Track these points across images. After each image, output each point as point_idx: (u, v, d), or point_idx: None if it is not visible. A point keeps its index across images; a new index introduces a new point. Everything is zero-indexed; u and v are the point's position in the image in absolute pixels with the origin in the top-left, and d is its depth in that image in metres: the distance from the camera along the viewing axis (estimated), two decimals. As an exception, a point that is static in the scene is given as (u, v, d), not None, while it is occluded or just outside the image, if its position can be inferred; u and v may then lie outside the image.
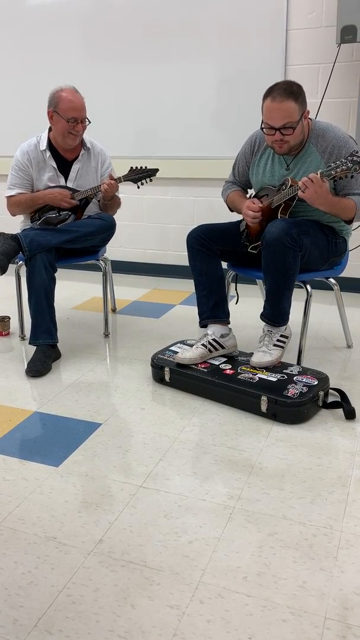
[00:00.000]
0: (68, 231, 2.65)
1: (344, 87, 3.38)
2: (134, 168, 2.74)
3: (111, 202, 2.85)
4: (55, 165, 2.76)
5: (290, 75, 3.46)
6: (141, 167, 2.74)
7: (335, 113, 3.42)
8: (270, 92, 2.18)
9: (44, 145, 2.74)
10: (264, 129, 2.23)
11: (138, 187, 2.78)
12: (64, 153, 2.78)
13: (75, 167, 2.79)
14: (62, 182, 2.78)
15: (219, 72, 3.62)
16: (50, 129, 2.74)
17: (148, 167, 2.74)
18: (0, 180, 3.58)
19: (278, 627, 1.23)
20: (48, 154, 2.75)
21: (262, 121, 2.23)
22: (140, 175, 2.73)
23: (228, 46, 3.55)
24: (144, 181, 2.75)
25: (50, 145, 2.76)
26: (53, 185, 2.77)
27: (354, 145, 2.24)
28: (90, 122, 2.70)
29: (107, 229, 2.80)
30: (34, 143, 2.77)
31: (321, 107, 3.40)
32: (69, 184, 2.79)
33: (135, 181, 2.74)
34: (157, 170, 2.74)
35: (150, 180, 2.76)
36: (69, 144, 2.71)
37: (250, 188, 2.57)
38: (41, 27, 3.93)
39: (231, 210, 2.60)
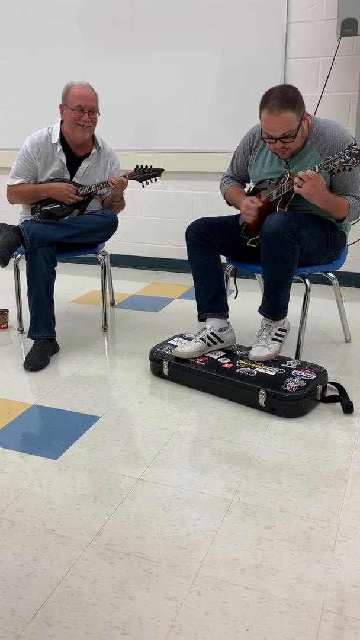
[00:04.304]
0: (71, 227, 2.63)
1: (344, 80, 3.37)
2: (140, 167, 2.70)
3: (119, 203, 2.83)
4: (64, 161, 2.71)
5: (290, 68, 3.45)
6: (147, 167, 2.70)
7: (335, 107, 3.41)
8: (266, 103, 2.14)
9: (56, 138, 2.69)
10: (264, 139, 2.22)
11: (143, 187, 2.75)
12: (75, 149, 2.73)
13: (84, 165, 2.75)
14: (67, 177, 2.75)
15: (218, 65, 3.60)
16: (62, 122, 2.70)
17: (153, 167, 2.70)
18: (2, 172, 3.58)
19: (275, 619, 1.23)
20: (59, 148, 2.69)
21: (262, 130, 2.22)
22: (145, 175, 2.69)
23: (228, 39, 3.53)
24: (149, 180, 2.71)
25: (62, 140, 2.71)
26: (55, 179, 2.74)
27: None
28: (100, 114, 2.65)
29: (110, 227, 2.78)
30: (45, 135, 2.71)
31: (321, 101, 3.39)
32: (75, 180, 2.76)
33: (140, 180, 2.70)
34: (162, 170, 2.70)
35: (156, 180, 2.73)
36: (77, 137, 2.65)
37: (249, 182, 2.57)
38: (41, 19, 3.91)
39: (229, 204, 2.60)
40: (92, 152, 2.75)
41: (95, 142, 2.77)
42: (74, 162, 2.75)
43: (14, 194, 2.77)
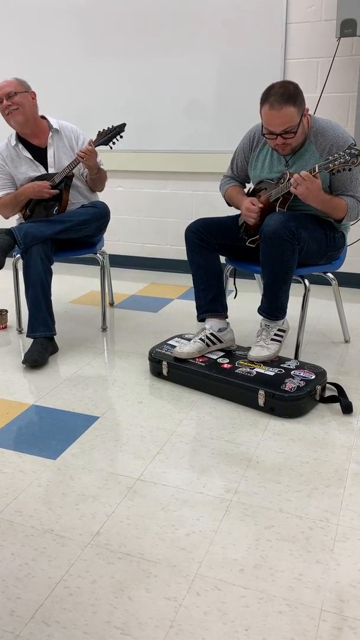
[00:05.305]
0: (62, 221, 2.64)
1: (343, 81, 3.37)
2: (102, 130, 2.67)
3: (98, 176, 2.80)
4: (29, 156, 2.78)
5: (289, 69, 3.45)
6: (109, 128, 2.66)
7: (334, 107, 3.41)
8: (267, 98, 2.14)
9: (14, 140, 2.78)
10: (265, 135, 2.22)
11: (111, 148, 2.69)
12: (34, 140, 2.79)
13: (50, 152, 2.79)
14: (42, 170, 2.79)
15: (217, 66, 3.60)
16: None
17: (115, 125, 2.65)
18: None
19: (274, 619, 1.23)
20: (20, 146, 2.78)
21: (262, 126, 2.22)
22: (109, 136, 2.64)
23: (227, 39, 3.54)
24: (114, 140, 2.66)
25: (21, 139, 2.79)
26: (35, 174, 2.77)
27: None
28: (16, 93, 2.65)
29: (101, 217, 2.79)
30: (5, 142, 2.81)
31: (320, 102, 3.40)
32: (51, 170, 2.79)
33: (106, 143, 2.66)
34: (124, 124, 2.64)
35: (121, 137, 2.66)
36: (14, 126, 2.72)
37: (249, 182, 2.57)
38: (37, 20, 3.91)
39: (229, 205, 2.60)
40: (50, 135, 2.79)
41: (50, 126, 2.80)
42: (41, 154, 2.80)
43: (1, 207, 2.82)
